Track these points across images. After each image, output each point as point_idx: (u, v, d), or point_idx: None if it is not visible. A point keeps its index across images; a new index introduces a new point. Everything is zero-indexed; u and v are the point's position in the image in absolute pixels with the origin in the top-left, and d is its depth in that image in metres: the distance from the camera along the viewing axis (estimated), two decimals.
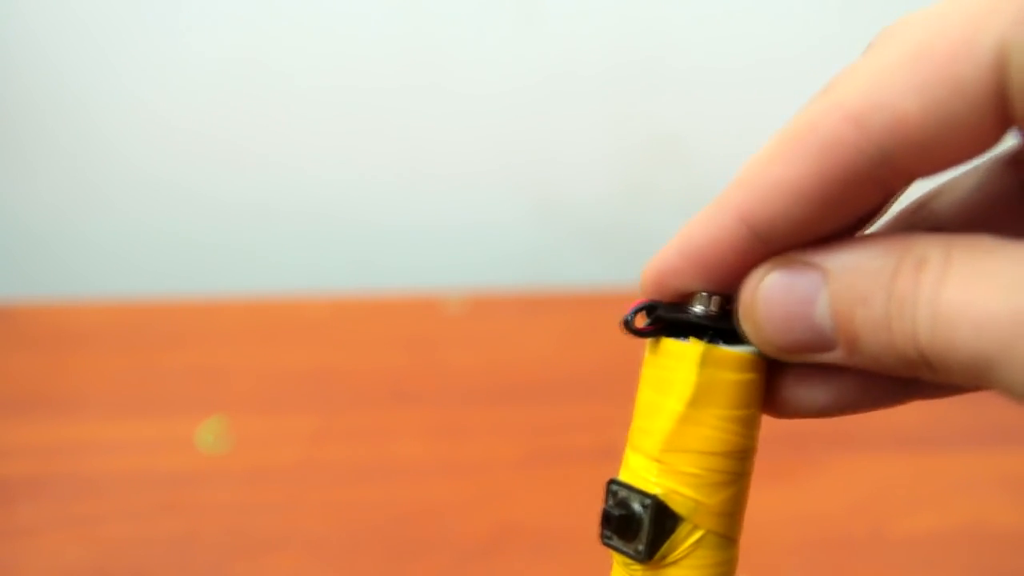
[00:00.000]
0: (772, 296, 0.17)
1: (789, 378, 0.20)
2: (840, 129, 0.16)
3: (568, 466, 0.53)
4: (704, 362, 0.19)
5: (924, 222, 0.20)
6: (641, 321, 0.20)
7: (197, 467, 0.53)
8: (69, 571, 0.46)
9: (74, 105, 0.71)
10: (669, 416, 0.19)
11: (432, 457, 0.54)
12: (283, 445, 0.55)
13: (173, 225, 0.75)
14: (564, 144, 0.76)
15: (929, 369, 0.15)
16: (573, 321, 0.67)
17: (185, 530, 0.49)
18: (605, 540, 0.20)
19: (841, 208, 0.17)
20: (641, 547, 0.19)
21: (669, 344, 0.19)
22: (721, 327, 0.19)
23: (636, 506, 0.19)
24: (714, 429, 0.19)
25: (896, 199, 0.19)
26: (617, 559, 0.20)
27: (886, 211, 0.20)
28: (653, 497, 0.19)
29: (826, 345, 0.17)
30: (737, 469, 0.19)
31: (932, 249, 0.15)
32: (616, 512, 0.19)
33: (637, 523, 0.19)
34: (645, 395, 0.20)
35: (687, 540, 0.19)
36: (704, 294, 0.19)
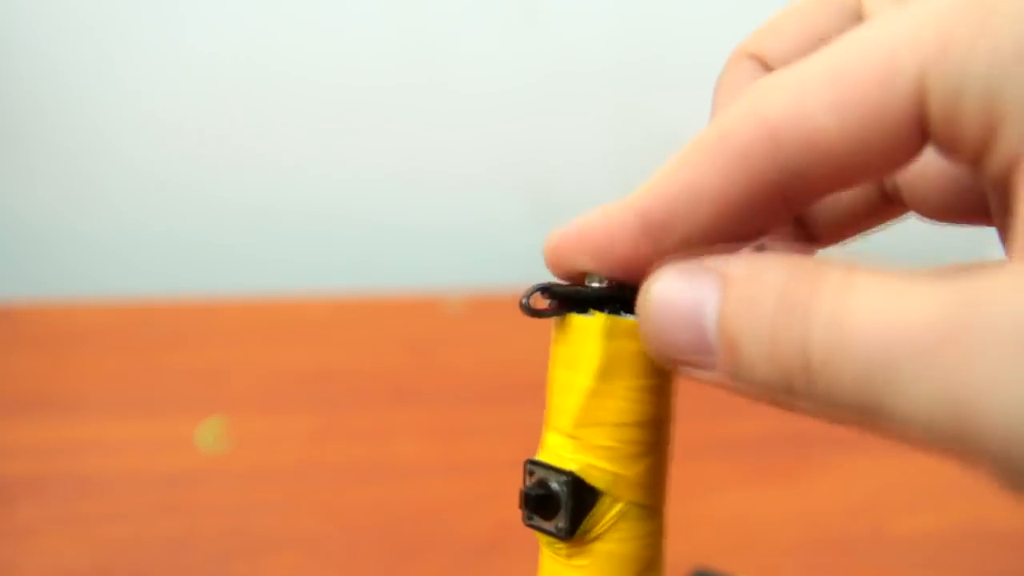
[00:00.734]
0: (664, 296, 0.17)
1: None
2: (754, 139, 0.16)
3: None
4: (608, 334, 0.19)
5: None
6: (542, 304, 0.20)
7: (197, 467, 0.53)
8: (69, 571, 0.46)
9: (74, 105, 0.71)
10: (579, 391, 0.19)
11: (432, 457, 0.54)
12: (283, 445, 0.55)
13: (173, 225, 0.75)
14: (564, 144, 0.76)
15: (807, 384, 0.15)
16: None
17: (185, 530, 0.49)
18: (527, 521, 0.20)
19: (747, 217, 0.17)
20: (562, 524, 0.19)
21: (574, 320, 0.19)
22: (623, 297, 0.19)
23: (554, 484, 0.19)
24: (625, 400, 0.19)
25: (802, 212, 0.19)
26: (542, 540, 0.20)
27: (790, 224, 0.20)
28: (569, 473, 0.19)
29: (708, 350, 0.16)
30: (652, 439, 0.19)
31: (835, 262, 0.15)
32: (534, 492, 0.19)
33: (556, 501, 0.19)
34: (556, 374, 0.20)
35: (608, 513, 0.19)
36: (598, 276, 0.19)
